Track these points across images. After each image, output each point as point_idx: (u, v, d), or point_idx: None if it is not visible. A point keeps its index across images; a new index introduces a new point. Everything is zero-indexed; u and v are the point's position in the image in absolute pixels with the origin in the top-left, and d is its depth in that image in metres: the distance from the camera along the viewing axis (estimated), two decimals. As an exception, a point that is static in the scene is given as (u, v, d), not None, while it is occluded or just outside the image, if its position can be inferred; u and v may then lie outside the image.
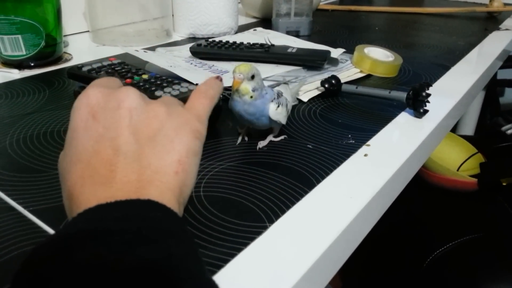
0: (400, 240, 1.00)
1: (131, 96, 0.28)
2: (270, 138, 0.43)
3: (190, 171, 0.27)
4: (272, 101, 0.40)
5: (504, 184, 1.03)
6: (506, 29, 0.98)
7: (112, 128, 0.26)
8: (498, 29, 0.98)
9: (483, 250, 0.91)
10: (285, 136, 0.44)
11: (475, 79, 0.64)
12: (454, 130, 1.52)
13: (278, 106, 0.40)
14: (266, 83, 0.54)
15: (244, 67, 0.38)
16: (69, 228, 0.22)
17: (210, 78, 0.35)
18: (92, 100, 0.28)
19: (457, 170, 1.12)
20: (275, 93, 0.41)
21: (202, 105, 0.31)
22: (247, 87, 0.38)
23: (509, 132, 1.05)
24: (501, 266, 0.89)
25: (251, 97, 0.39)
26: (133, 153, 0.26)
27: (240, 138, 0.43)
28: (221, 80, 0.35)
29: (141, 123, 0.27)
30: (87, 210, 0.23)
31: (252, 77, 0.38)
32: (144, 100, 0.29)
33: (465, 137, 1.21)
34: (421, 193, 1.07)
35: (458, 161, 1.12)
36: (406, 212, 1.01)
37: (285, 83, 0.47)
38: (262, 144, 0.42)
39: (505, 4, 1.11)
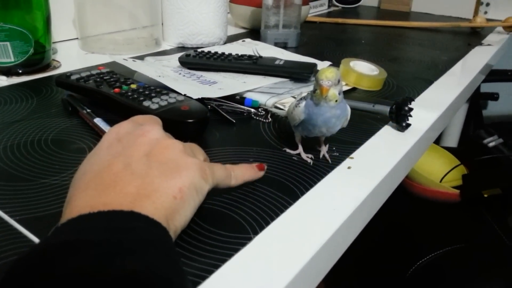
0: (384, 249, 1.01)
1: (156, 129, 0.32)
2: (324, 151, 0.43)
3: (188, 202, 0.28)
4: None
5: (485, 195, 1.05)
6: (488, 44, 1.01)
7: (130, 149, 0.29)
8: (481, 44, 1.00)
9: (466, 260, 0.92)
10: (335, 148, 0.45)
11: (457, 93, 0.66)
12: (438, 141, 1.54)
13: None
14: (254, 94, 0.55)
15: (331, 73, 0.37)
16: (53, 238, 0.23)
17: (252, 165, 0.37)
18: (122, 129, 0.32)
19: (440, 181, 1.14)
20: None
21: (220, 171, 0.33)
22: (334, 92, 0.37)
23: (490, 145, 1.08)
24: (482, 275, 0.91)
25: (336, 100, 0.38)
26: (141, 171, 0.28)
27: (305, 154, 0.42)
28: (261, 169, 0.37)
29: (158, 150, 0.30)
30: (75, 219, 0.24)
31: (338, 81, 0.37)
32: (167, 135, 0.32)
33: (449, 149, 1.24)
34: (405, 204, 1.08)
35: (441, 173, 1.14)
36: (390, 222, 1.02)
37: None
38: (326, 156, 0.42)
39: (488, 20, 1.15)
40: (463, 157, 1.18)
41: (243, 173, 0.35)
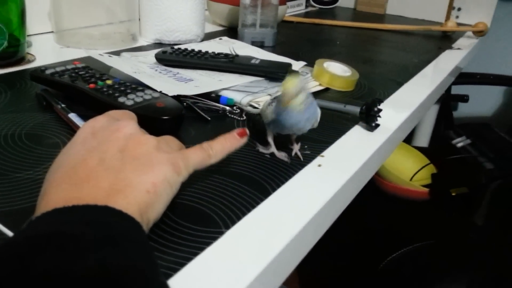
0: (356, 245, 1.04)
1: (131, 125, 0.32)
2: (296, 149, 0.44)
3: (161, 196, 0.29)
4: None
5: (453, 194, 1.09)
6: (458, 48, 1.04)
7: (105, 144, 0.30)
8: (451, 48, 1.04)
9: (434, 256, 0.96)
10: (306, 146, 0.46)
11: (426, 94, 0.68)
12: (409, 141, 1.59)
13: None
14: (230, 93, 0.56)
15: (292, 84, 0.37)
16: (28, 231, 0.23)
17: (232, 134, 0.36)
18: (98, 123, 0.32)
19: (411, 179, 1.17)
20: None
21: (196, 156, 0.33)
22: (298, 100, 0.38)
23: (459, 145, 1.12)
24: (450, 270, 0.94)
25: (303, 104, 0.39)
26: (115, 166, 0.29)
27: (278, 152, 0.43)
28: (243, 136, 0.37)
29: (132, 146, 0.30)
30: (49, 212, 0.25)
31: (301, 89, 0.38)
32: (142, 131, 0.33)
33: (420, 149, 1.27)
34: (376, 201, 1.11)
35: (412, 171, 1.18)
36: (361, 219, 1.05)
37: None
38: (299, 154, 0.43)
39: (459, 24, 1.18)
40: (433, 157, 1.22)
41: (223, 146, 0.35)
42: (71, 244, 0.22)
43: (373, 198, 1.13)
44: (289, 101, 0.38)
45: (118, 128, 0.32)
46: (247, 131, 0.37)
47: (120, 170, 0.28)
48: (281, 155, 0.43)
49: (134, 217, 0.26)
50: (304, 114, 0.40)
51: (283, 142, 0.45)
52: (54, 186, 0.27)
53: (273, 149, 0.44)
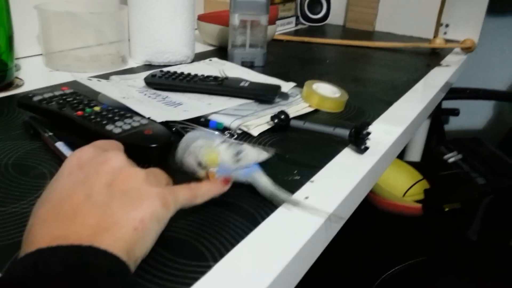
0: (350, 263, 1.03)
1: (119, 157, 0.31)
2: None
3: (149, 233, 0.28)
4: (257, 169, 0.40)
5: (446, 209, 1.09)
6: (447, 65, 1.05)
7: (92, 178, 0.29)
8: (440, 65, 1.05)
9: (428, 272, 0.95)
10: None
11: (416, 113, 0.68)
12: (401, 156, 1.59)
13: (229, 144, 0.40)
14: (219, 117, 0.55)
15: (211, 160, 0.38)
16: (7, 273, 0.23)
17: (214, 182, 0.37)
18: (84, 154, 0.32)
19: (403, 195, 1.17)
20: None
21: (184, 193, 0.33)
22: (217, 172, 0.38)
23: (450, 160, 1.12)
24: (444, 286, 0.94)
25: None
26: (102, 201, 0.28)
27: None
28: (226, 183, 0.38)
29: (120, 180, 0.30)
30: (32, 253, 0.24)
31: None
32: (130, 163, 0.32)
33: (412, 164, 1.28)
34: (369, 218, 1.11)
35: (405, 187, 1.18)
36: (355, 236, 1.05)
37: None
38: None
39: (447, 41, 1.20)
40: (426, 172, 1.22)
41: (209, 189, 0.36)
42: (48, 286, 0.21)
43: (366, 214, 1.13)
44: (213, 177, 0.38)
45: (105, 160, 0.31)
46: (231, 180, 0.38)
47: (108, 206, 0.28)
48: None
49: (119, 257, 0.25)
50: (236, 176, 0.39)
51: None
52: (39, 223, 0.27)
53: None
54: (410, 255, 0.98)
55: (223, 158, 0.39)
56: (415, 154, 1.57)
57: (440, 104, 1.63)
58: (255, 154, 0.41)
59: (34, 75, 0.73)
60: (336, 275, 1.01)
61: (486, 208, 1.09)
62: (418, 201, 1.11)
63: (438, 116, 1.66)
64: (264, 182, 0.40)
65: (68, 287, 0.22)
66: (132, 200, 0.29)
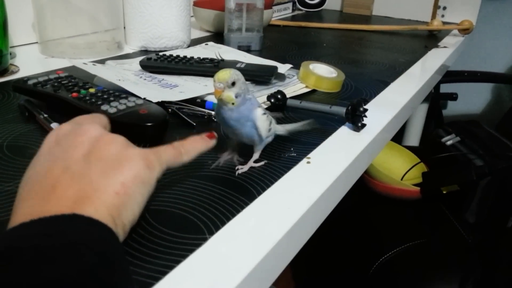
0: (348, 246, 1.03)
1: (95, 127, 0.31)
2: (251, 163, 0.41)
3: (133, 196, 0.28)
4: (259, 107, 0.40)
5: (444, 192, 1.09)
6: (445, 47, 1.05)
7: (70, 151, 0.29)
8: (437, 46, 1.04)
9: (426, 255, 0.96)
10: (266, 161, 0.43)
11: (412, 93, 0.68)
12: (400, 140, 1.59)
13: (264, 114, 0.40)
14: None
15: (223, 75, 0.37)
16: None
17: (198, 137, 0.36)
18: (61, 131, 0.31)
19: (401, 179, 1.17)
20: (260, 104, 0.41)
21: (167, 152, 0.32)
22: (229, 94, 0.37)
23: (448, 143, 1.12)
24: (442, 269, 0.94)
25: (233, 103, 0.38)
26: (81, 172, 0.27)
27: (223, 160, 0.42)
28: (212, 138, 0.36)
29: (98, 148, 0.29)
30: (16, 227, 0.24)
31: (233, 83, 0.37)
32: (106, 131, 0.31)
33: (410, 148, 1.28)
34: (367, 201, 1.11)
35: (402, 171, 1.18)
36: (353, 220, 1.05)
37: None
38: (241, 170, 0.41)
39: (444, 23, 1.19)
40: (424, 156, 1.22)
41: (194, 146, 0.35)
42: (24, 257, 0.21)
43: (364, 198, 1.13)
44: (220, 93, 0.37)
45: (81, 132, 0.30)
46: (215, 134, 0.37)
47: (86, 175, 0.27)
48: (224, 161, 0.42)
49: (104, 223, 0.25)
50: (233, 113, 0.39)
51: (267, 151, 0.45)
52: (21, 201, 0.27)
53: (223, 155, 0.43)
54: (408, 238, 0.98)
55: (263, 126, 0.40)
56: (413, 139, 1.56)
57: (438, 88, 1.63)
58: (279, 127, 0.45)
59: (29, 62, 0.73)
60: (335, 257, 1.02)
61: (483, 189, 1.09)
62: (416, 185, 1.11)
63: (436, 100, 1.65)
64: (289, 128, 0.45)
65: (48, 257, 0.21)
66: (112, 165, 0.28)
